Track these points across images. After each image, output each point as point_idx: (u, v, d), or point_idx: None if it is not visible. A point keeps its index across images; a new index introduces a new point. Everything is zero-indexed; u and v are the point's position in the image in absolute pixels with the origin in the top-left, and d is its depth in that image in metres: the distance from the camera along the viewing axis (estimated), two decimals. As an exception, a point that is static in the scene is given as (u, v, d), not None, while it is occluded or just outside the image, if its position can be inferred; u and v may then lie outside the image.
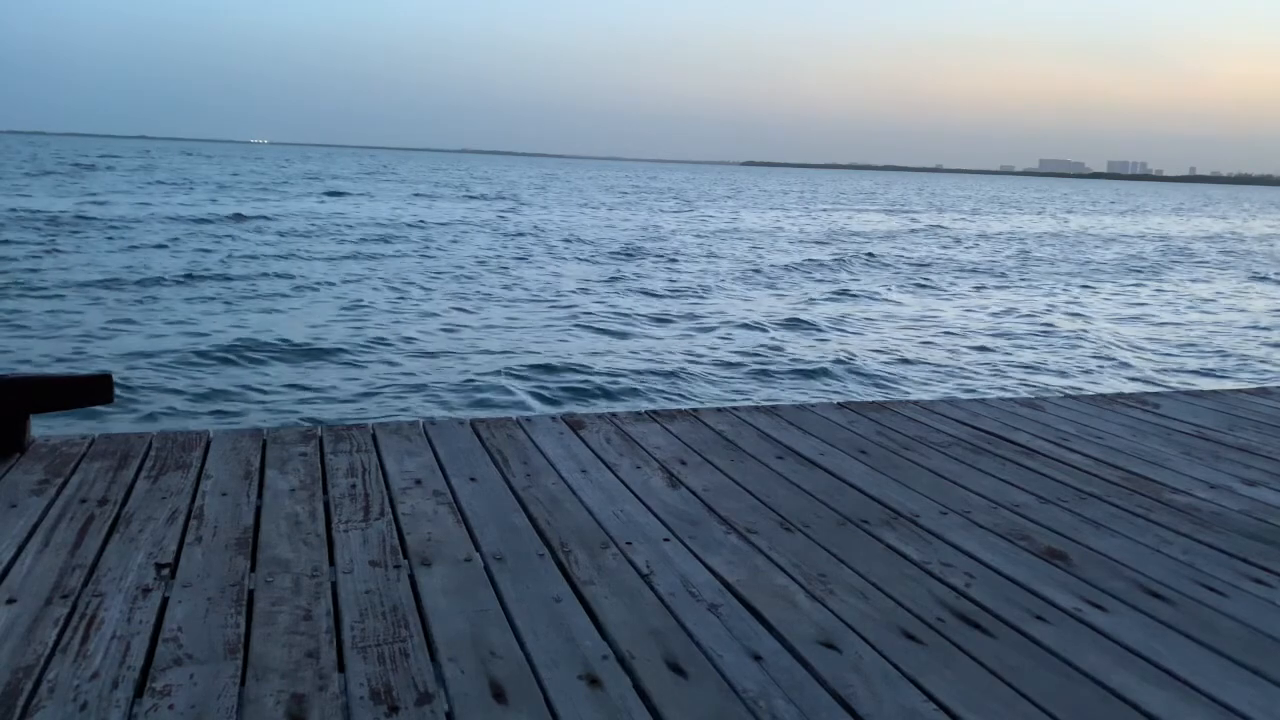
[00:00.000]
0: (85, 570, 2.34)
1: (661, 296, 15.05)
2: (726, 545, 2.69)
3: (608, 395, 8.74)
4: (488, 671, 1.95)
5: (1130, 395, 5.04)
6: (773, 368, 10.17)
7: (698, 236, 27.61)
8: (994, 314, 14.89)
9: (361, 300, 13.30)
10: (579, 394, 8.71)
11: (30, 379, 3.29)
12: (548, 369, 9.49)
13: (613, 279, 16.90)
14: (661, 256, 21.35)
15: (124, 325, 10.72)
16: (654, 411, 4.22)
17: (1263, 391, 5.29)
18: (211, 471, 3.11)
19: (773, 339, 11.85)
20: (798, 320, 13.27)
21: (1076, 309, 16.00)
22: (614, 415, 4.11)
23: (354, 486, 3.03)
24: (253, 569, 2.39)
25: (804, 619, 2.25)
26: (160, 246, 18.88)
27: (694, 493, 3.12)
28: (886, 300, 15.97)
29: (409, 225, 27.01)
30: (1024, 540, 2.82)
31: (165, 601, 2.19)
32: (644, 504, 2.99)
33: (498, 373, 9.20)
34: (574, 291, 15.08)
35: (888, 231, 33.88)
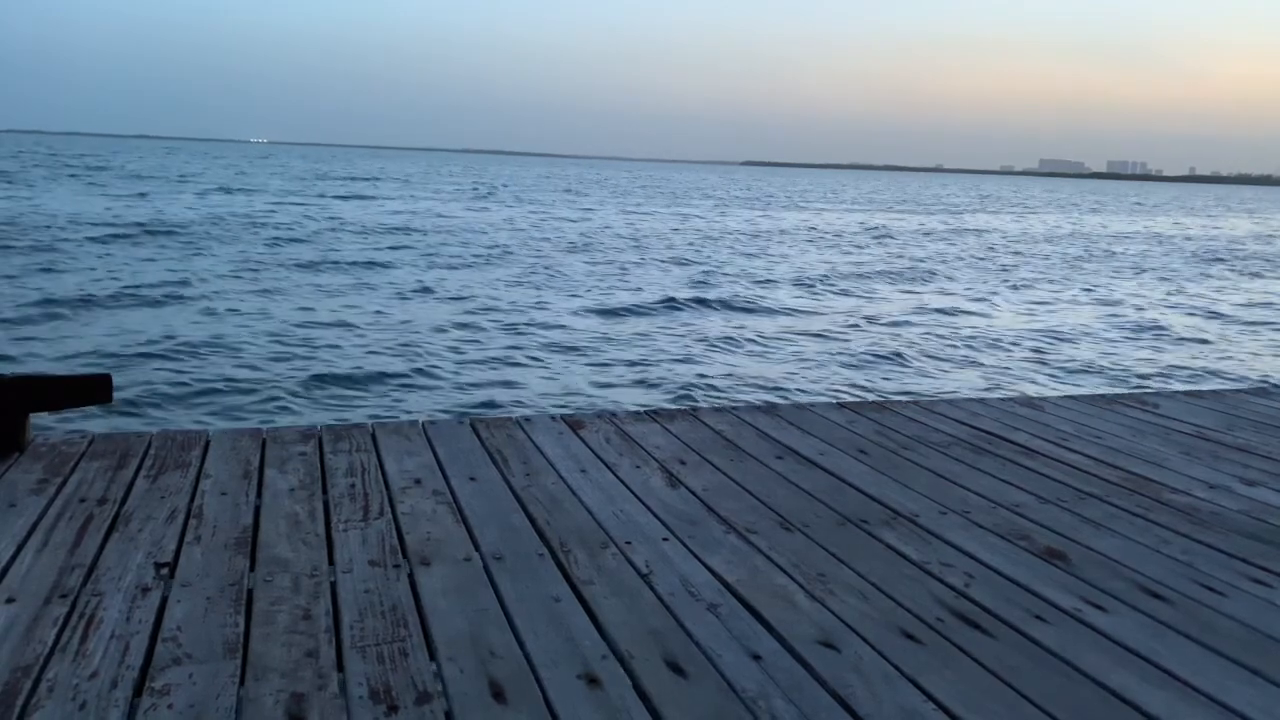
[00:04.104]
0: (84, 569, 2.33)
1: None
2: (726, 545, 2.69)
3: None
4: (487, 671, 1.94)
5: (1130, 395, 5.04)
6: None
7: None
8: None
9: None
10: None
11: (30, 378, 3.29)
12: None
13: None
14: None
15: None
16: (653, 411, 4.22)
17: (1262, 392, 5.30)
18: (211, 471, 3.11)
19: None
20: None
21: None
22: (613, 415, 4.11)
23: (353, 486, 3.03)
24: (252, 568, 2.39)
25: (803, 619, 2.25)
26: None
27: (693, 492, 3.12)
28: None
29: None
30: (1023, 540, 2.82)
31: (164, 601, 2.19)
32: (643, 504, 2.99)
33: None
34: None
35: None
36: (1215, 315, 15.99)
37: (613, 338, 11.48)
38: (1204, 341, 13.46)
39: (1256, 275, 23.58)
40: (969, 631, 2.22)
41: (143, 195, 34.25)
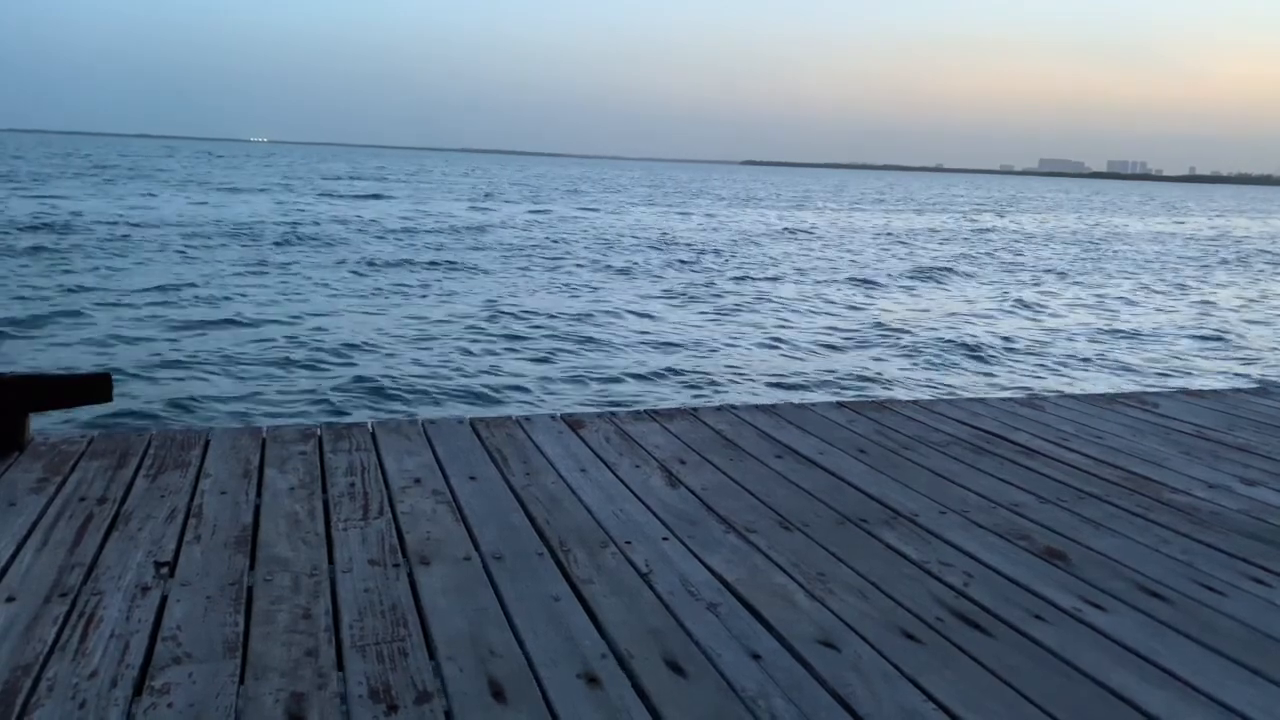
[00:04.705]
0: (84, 568, 2.33)
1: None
2: (725, 544, 2.69)
3: None
4: (487, 670, 1.94)
5: (1130, 395, 5.04)
6: None
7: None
8: None
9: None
10: None
11: (30, 377, 3.29)
12: None
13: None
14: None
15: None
16: (653, 411, 4.22)
17: (1262, 391, 5.30)
18: (211, 470, 3.11)
19: None
20: None
21: None
22: (613, 414, 4.11)
23: (353, 485, 3.03)
24: (252, 567, 2.39)
25: (803, 618, 2.25)
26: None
27: (693, 492, 3.12)
28: None
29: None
30: (1023, 540, 2.82)
31: (164, 600, 2.19)
32: (643, 503, 2.99)
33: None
34: None
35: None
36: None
37: (667, 336, 11.58)
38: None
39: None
40: (968, 631, 2.22)
41: (154, 195, 34.30)
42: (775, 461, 3.49)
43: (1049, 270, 22.24)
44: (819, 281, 17.85)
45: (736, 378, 9.56)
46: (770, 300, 15.00)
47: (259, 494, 2.92)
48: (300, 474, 3.11)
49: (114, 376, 3.40)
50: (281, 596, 2.24)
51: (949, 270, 20.91)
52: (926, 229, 35.30)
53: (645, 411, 4.19)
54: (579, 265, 18.77)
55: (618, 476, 3.24)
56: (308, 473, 3.13)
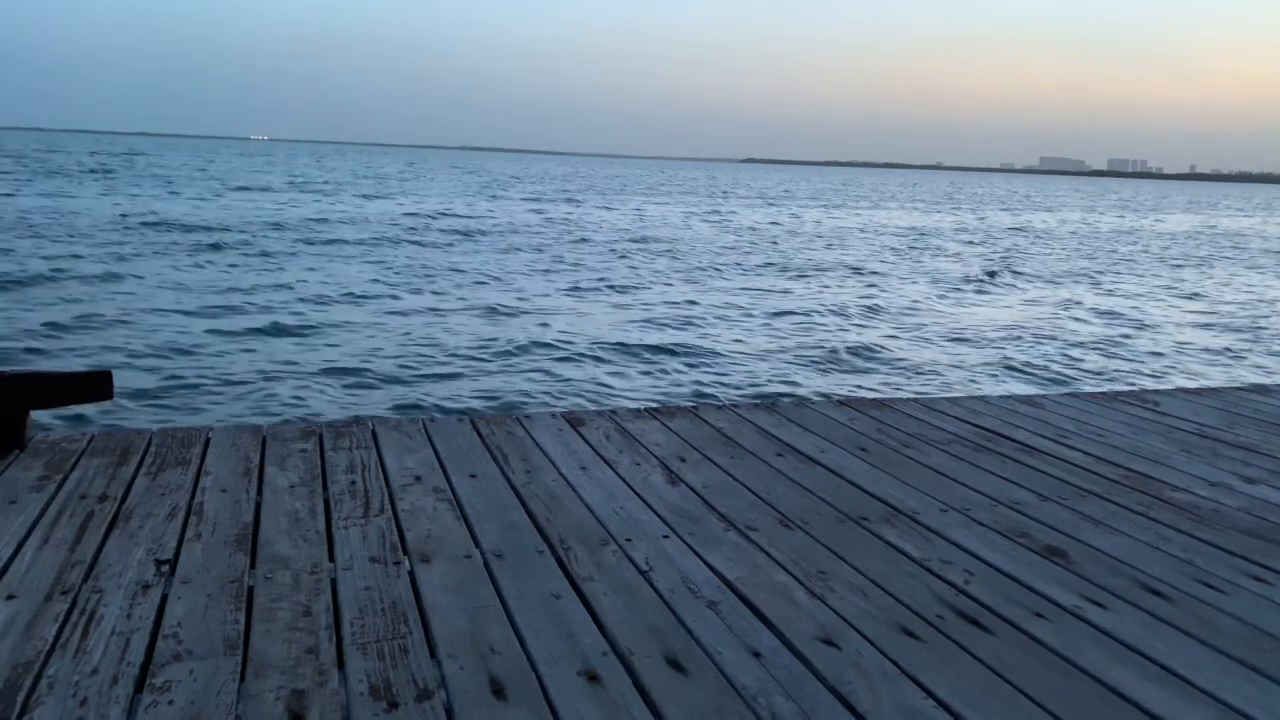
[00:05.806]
0: (85, 566, 2.34)
1: None
2: (726, 542, 2.69)
3: None
4: (487, 668, 1.95)
5: (1130, 393, 5.04)
6: None
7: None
8: None
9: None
10: None
11: (30, 375, 3.29)
12: None
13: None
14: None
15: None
16: (654, 408, 4.22)
17: (1263, 389, 5.29)
18: (211, 468, 3.12)
19: None
20: None
21: None
22: (614, 412, 4.11)
23: (354, 483, 3.03)
24: (252, 565, 2.39)
25: (803, 616, 2.25)
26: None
27: (694, 490, 3.12)
28: None
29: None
30: (1024, 538, 2.82)
31: (165, 598, 2.19)
32: (644, 501, 2.99)
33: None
34: None
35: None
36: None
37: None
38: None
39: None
40: (969, 629, 2.22)
41: (174, 193, 34.19)
42: (776, 459, 3.49)
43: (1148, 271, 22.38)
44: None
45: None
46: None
47: (259, 492, 2.92)
48: (301, 472, 3.11)
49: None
50: (282, 594, 2.24)
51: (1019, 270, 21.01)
52: (1037, 228, 35.62)
53: (645, 409, 4.20)
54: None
55: (618, 474, 3.24)
56: (308, 470, 3.13)
